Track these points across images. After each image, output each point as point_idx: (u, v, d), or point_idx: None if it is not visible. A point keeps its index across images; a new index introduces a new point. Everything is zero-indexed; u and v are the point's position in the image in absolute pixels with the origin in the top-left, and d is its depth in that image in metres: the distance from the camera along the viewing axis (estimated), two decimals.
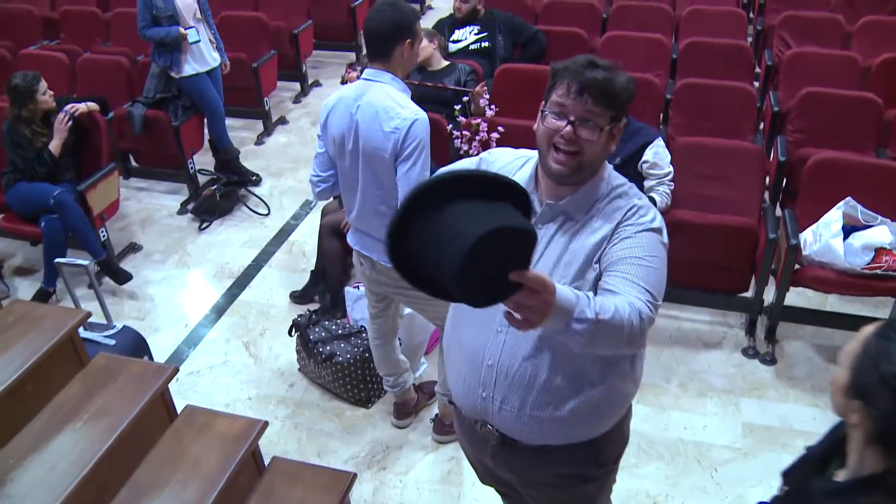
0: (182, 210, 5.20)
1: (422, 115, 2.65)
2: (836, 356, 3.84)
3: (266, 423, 2.61)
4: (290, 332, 3.69)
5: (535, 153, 1.83)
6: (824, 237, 3.41)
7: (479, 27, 5.39)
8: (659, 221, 1.74)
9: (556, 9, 6.08)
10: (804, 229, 3.61)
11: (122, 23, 6.24)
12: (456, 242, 1.25)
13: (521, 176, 1.83)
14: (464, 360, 1.93)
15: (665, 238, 1.74)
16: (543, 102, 1.72)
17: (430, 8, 8.83)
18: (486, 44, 5.38)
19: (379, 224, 2.80)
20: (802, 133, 4.45)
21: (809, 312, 3.88)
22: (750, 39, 6.14)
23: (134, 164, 5.48)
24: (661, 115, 4.79)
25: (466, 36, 5.41)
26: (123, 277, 4.37)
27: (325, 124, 2.79)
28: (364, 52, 2.77)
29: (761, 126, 5.00)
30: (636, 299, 1.58)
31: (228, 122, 5.84)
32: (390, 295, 3.08)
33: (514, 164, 1.89)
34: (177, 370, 2.65)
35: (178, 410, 2.71)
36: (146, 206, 5.27)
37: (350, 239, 3.01)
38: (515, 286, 1.32)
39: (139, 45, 5.45)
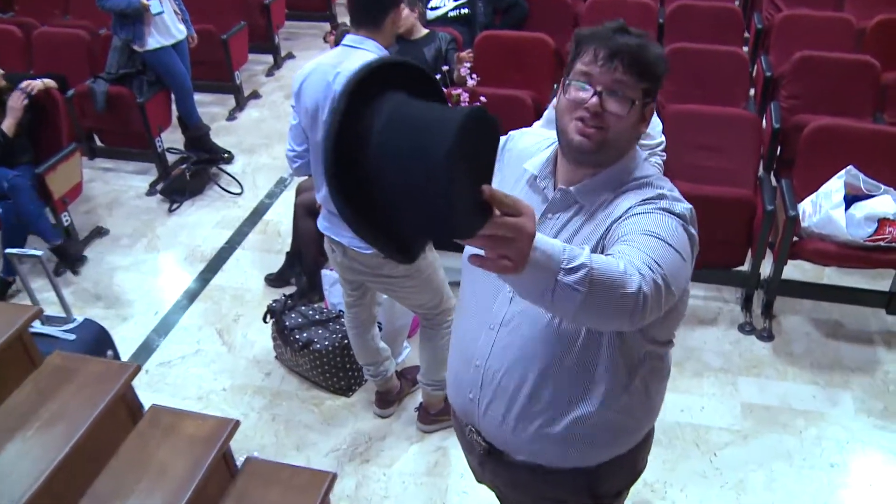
0: (151, 191, 4.96)
1: None
2: (834, 331, 3.81)
3: (237, 423, 2.42)
4: (264, 319, 3.50)
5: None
6: (824, 208, 3.24)
7: None
8: (689, 213, 1.46)
9: None
10: (802, 200, 3.44)
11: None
12: (431, 133, 0.96)
13: (540, 158, 1.62)
14: (457, 353, 1.76)
15: (693, 230, 1.45)
16: (565, 75, 1.51)
17: None
18: (466, 10, 5.15)
19: None
20: (797, 99, 4.28)
21: (807, 286, 3.74)
22: (737, 2, 5.95)
23: (99, 143, 5.22)
24: None
25: (445, 2, 5.17)
26: (77, 264, 4.16)
27: (299, 93, 2.58)
28: (345, 20, 2.54)
29: (752, 92, 4.83)
30: (637, 261, 1.29)
31: (198, 97, 5.60)
32: (365, 282, 2.89)
33: (537, 145, 1.68)
34: (139, 368, 2.44)
35: (147, 407, 2.53)
36: (113, 188, 5.03)
37: (320, 222, 2.81)
38: (485, 210, 1.02)
39: (101, 17, 5.16)
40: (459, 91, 4.00)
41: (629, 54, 1.42)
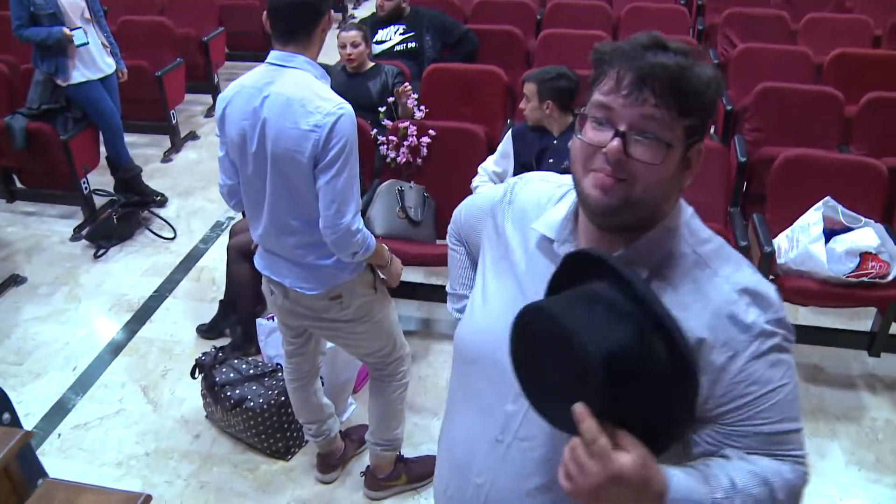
0: (75, 236, 4.56)
1: (347, 108, 2.14)
2: (815, 375, 3.55)
3: (149, 497, 2.04)
4: (192, 374, 3.13)
5: None
6: (802, 242, 3.02)
7: (404, 26, 4.93)
8: (774, 307, 1.13)
9: (487, 8, 5.68)
10: (776, 235, 3.22)
11: (4, 25, 5.57)
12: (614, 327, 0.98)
13: (555, 215, 1.27)
14: (449, 459, 1.39)
15: (788, 323, 1.14)
16: (580, 106, 1.17)
17: (352, 17, 8.36)
18: (413, 44, 4.93)
19: (292, 243, 2.29)
20: (761, 132, 4.11)
21: None
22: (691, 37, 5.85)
23: (19, 185, 4.82)
24: None
25: (391, 36, 4.95)
26: None
27: (223, 120, 2.26)
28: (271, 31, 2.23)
29: (712, 129, 4.67)
30: (785, 466, 1.10)
31: (132, 138, 5.27)
32: (309, 328, 2.56)
33: (548, 195, 1.33)
34: (29, 435, 2.06)
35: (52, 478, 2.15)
36: (34, 233, 4.62)
37: (257, 262, 2.48)
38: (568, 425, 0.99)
39: (26, 50, 4.80)
40: (406, 124, 3.75)
41: (665, 79, 1.05)
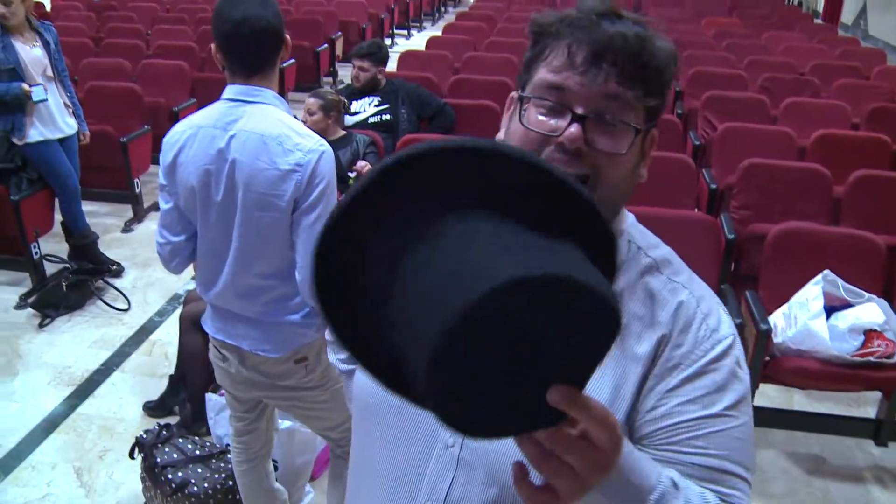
0: (21, 304, 4.25)
1: (327, 145, 1.94)
2: (818, 467, 3.26)
3: None
4: (131, 454, 2.80)
5: None
6: (801, 319, 2.82)
7: (379, 98, 4.83)
8: (730, 331, 0.98)
9: (464, 84, 5.61)
10: (770, 313, 3.02)
11: None
12: (454, 287, 0.57)
13: None
14: None
15: (743, 356, 0.99)
16: (519, 87, 0.98)
17: (341, 83, 8.29)
18: (388, 116, 4.82)
19: (255, 302, 2.03)
20: (748, 209, 3.96)
21: (783, 414, 3.26)
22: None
23: None
24: None
25: (366, 108, 4.83)
26: None
27: (173, 167, 2.00)
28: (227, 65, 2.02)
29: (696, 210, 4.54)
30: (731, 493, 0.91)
31: (93, 206, 5.04)
32: (264, 399, 2.29)
33: None
34: None
35: None
36: None
37: (208, 325, 2.21)
38: (551, 415, 0.65)
39: None
40: None
41: (627, 53, 0.88)
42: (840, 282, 2.88)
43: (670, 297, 0.97)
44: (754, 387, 2.96)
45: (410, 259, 0.61)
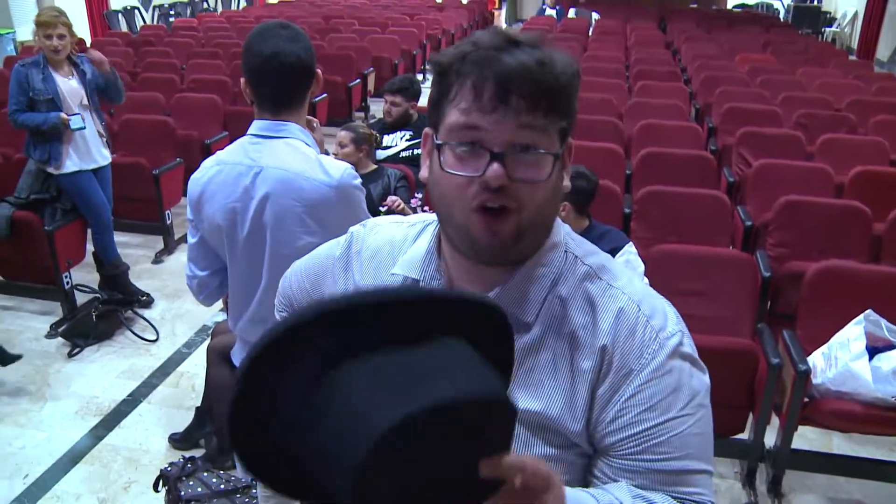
0: (51, 333, 4.27)
1: (353, 172, 1.94)
2: None
3: None
4: (155, 487, 2.77)
5: (433, 217, 1.11)
6: (842, 360, 2.73)
7: (411, 132, 4.83)
8: (677, 327, 0.99)
9: None
10: (809, 353, 2.93)
11: (7, 123, 5.49)
12: (347, 441, 0.67)
13: (413, 254, 1.10)
14: None
15: (693, 348, 1.00)
16: (431, 125, 1.00)
17: (373, 117, 8.35)
18: (419, 151, 4.79)
19: None
20: (784, 247, 3.88)
21: (823, 458, 3.14)
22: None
23: None
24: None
25: (397, 142, 4.83)
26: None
27: (199, 203, 1.98)
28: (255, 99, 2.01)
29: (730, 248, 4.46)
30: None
31: (124, 237, 5.08)
32: None
33: (400, 236, 1.15)
34: None
35: None
36: (7, 328, 4.33)
37: (237, 358, 2.19)
38: (485, 488, 0.73)
39: (21, 142, 4.64)
40: None
41: (531, 82, 0.90)
42: (883, 322, 2.79)
43: (610, 303, 0.99)
44: (793, 429, 2.87)
45: (308, 408, 0.70)
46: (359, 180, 1.94)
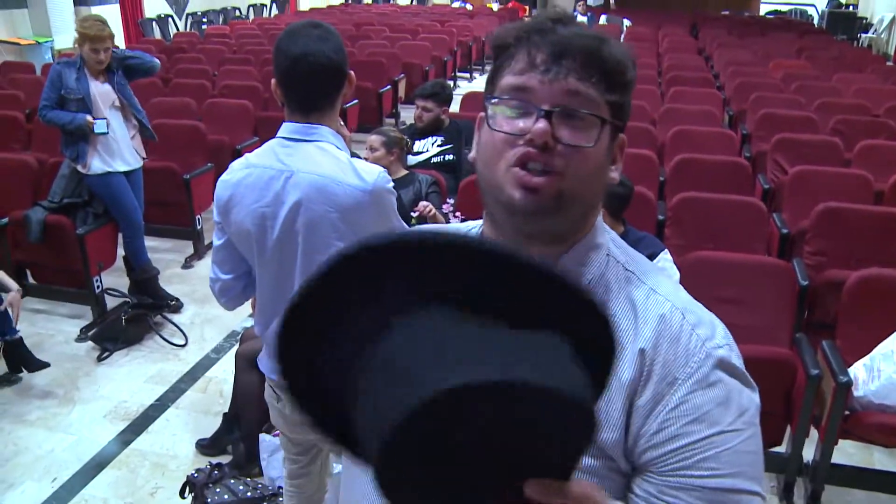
0: (81, 336, 4.29)
1: (386, 176, 1.91)
2: None
3: None
4: (181, 493, 2.76)
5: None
6: (885, 372, 2.64)
7: (442, 138, 4.79)
8: (724, 340, 0.92)
9: None
10: (850, 364, 2.84)
11: (46, 130, 5.54)
12: (391, 399, 0.57)
13: None
14: None
15: (741, 362, 0.93)
16: (485, 98, 0.97)
17: (403, 123, 8.34)
18: (451, 157, 4.77)
19: None
20: (823, 255, 3.78)
21: (864, 473, 3.05)
22: None
23: (31, 280, 4.60)
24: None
25: (428, 147, 4.79)
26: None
27: (227, 207, 1.95)
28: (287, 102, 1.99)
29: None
30: None
31: (154, 242, 5.10)
32: (319, 444, 2.21)
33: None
34: None
35: None
36: (38, 331, 4.36)
37: (265, 364, 2.16)
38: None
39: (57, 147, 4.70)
40: None
41: (585, 51, 0.91)
42: None
43: (652, 309, 0.93)
44: (833, 443, 2.78)
45: (361, 359, 0.61)
46: (392, 184, 1.91)
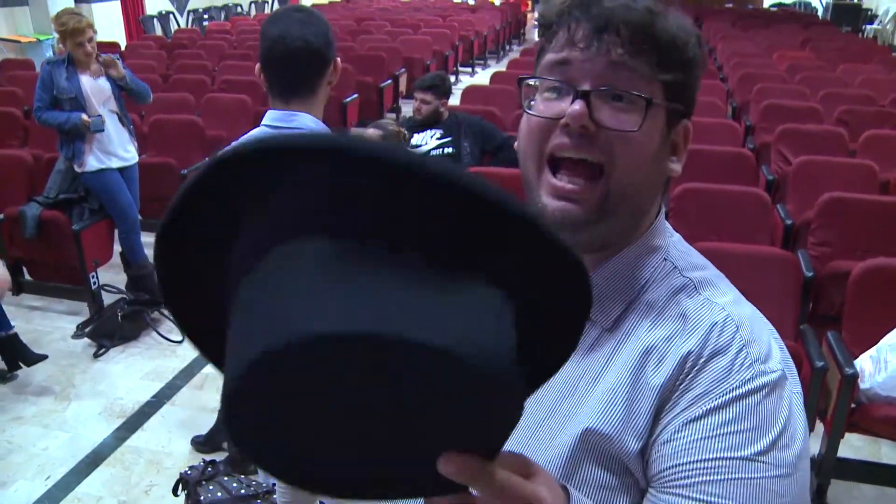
0: (78, 333, 4.25)
1: None
2: None
3: None
4: (174, 491, 2.71)
5: None
6: (892, 364, 2.58)
7: (441, 131, 4.73)
8: (781, 366, 0.79)
9: None
10: (856, 356, 2.78)
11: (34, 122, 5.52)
12: (258, 332, 0.46)
13: None
14: None
15: (800, 402, 0.80)
16: (520, 82, 0.87)
17: (404, 118, 8.30)
18: (450, 150, 4.71)
19: None
20: (828, 246, 3.71)
21: (872, 467, 2.99)
22: None
23: (28, 277, 4.56)
24: None
25: (427, 140, 4.74)
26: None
27: None
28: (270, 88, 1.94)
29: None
30: None
31: (151, 238, 4.96)
32: None
33: None
34: None
35: None
36: (35, 328, 4.31)
37: None
38: (443, 485, 0.53)
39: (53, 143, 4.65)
40: None
41: (632, 22, 0.79)
42: None
43: (704, 317, 0.81)
44: (839, 436, 2.72)
45: (234, 287, 0.51)
46: None
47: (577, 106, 0.78)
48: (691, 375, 0.78)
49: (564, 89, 0.81)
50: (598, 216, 0.81)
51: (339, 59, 1.90)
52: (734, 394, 0.76)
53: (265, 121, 1.88)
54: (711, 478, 0.73)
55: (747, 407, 0.75)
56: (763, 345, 0.80)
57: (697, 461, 0.74)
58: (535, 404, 0.84)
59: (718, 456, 0.74)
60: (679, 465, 0.75)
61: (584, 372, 0.84)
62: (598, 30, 0.80)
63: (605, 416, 0.80)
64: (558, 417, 0.83)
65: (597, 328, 0.85)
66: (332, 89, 1.98)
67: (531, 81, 0.85)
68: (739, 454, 0.73)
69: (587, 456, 0.80)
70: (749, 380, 0.76)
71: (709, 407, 0.76)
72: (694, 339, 0.80)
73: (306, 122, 1.85)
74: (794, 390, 0.79)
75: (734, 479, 0.73)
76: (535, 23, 0.90)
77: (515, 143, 0.89)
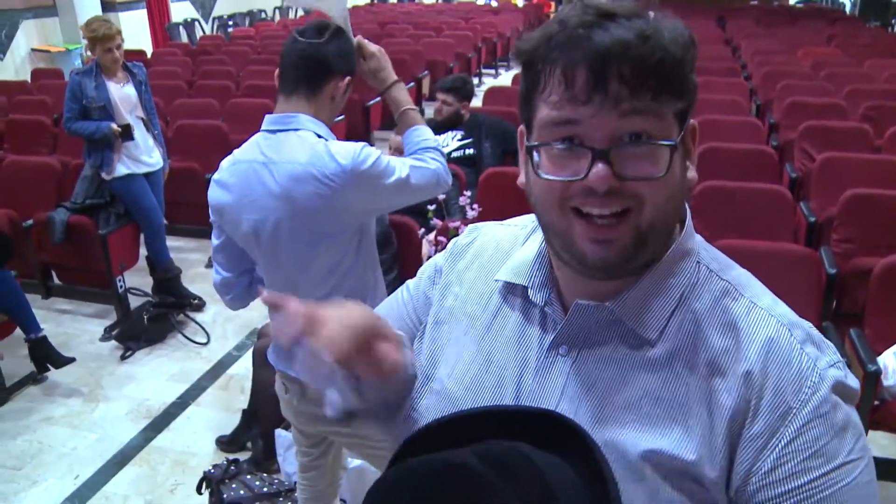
0: (105, 336, 4.32)
1: (363, 149, 1.84)
2: None
3: None
4: (198, 489, 2.75)
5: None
6: None
7: (462, 132, 4.75)
8: (835, 356, 0.84)
9: None
10: (878, 353, 2.76)
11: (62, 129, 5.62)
12: None
13: (522, 257, 0.96)
14: None
15: (853, 384, 0.84)
16: (523, 121, 0.86)
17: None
18: (471, 151, 4.73)
19: None
20: (851, 243, 3.68)
21: (895, 465, 2.95)
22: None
23: (56, 281, 4.64)
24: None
25: (448, 142, 4.76)
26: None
27: (220, 205, 1.94)
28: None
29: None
30: None
31: (178, 242, 5.14)
32: (329, 436, 2.19)
33: (509, 239, 1.02)
34: None
35: None
36: (64, 331, 4.40)
37: (272, 356, 2.15)
38: None
39: (80, 150, 4.74)
40: (457, 224, 3.45)
41: (632, 60, 0.75)
42: None
43: (756, 326, 0.82)
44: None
45: None
46: (371, 159, 1.84)
47: (600, 169, 0.76)
48: (765, 395, 0.79)
49: (576, 150, 0.78)
50: (634, 251, 0.81)
51: (349, 78, 1.93)
52: (813, 403, 0.78)
53: (265, 125, 1.91)
54: (822, 494, 0.77)
55: (828, 413, 0.78)
56: (815, 340, 0.83)
57: (806, 483, 0.77)
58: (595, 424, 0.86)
59: (822, 472, 0.77)
60: (788, 490, 0.78)
61: (640, 391, 0.84)
62: (597, 78, 0.75)
63: (680, 439, 0.81)
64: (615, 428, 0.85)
65: (643, 344, 0.86)
66: (354, 92, 2.01)
67: (538, 146, 0.82)
68: (837, 462, 0.77)
69: (666, 481, 0.81)
70: (818, 382, 0.79)
71: (798, 424, 0.78)
72: (752, 355, 0.81)
73: (303, 121, 1.87)
74: (847, 371, 0.84)
75: (840, 487, 0.77)
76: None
77: (520, 180, 0.89)
